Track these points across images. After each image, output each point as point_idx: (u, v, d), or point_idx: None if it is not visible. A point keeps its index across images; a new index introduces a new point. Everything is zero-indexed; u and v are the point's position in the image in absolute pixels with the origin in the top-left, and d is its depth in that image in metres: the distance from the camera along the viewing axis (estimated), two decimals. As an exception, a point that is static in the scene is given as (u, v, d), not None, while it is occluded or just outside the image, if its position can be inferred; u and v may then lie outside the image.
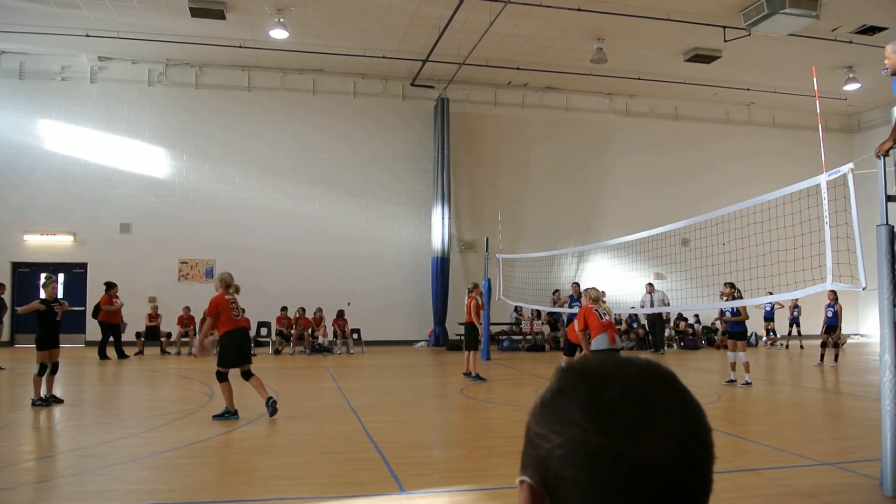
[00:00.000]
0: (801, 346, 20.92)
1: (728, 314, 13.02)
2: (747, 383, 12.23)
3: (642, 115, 24.35)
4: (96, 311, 17.22)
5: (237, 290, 9.45)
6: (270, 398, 8.74)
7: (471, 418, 9.89)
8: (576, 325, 10.27)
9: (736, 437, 7.81)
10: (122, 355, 16.78)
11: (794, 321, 20.72)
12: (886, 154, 5.99)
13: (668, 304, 19.05)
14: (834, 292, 15.51)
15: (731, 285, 12.59)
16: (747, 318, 12.94)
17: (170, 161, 20.63)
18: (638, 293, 19.88)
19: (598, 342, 9.42)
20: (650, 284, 19.85)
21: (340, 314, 19.43)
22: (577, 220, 22.87)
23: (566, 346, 11.70)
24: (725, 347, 14.72)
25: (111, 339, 16.93)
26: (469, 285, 14.53)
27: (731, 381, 12.56)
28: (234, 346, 8.90)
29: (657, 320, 20.15)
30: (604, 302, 10.20)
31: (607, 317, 9.71)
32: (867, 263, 6.47)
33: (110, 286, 17.26)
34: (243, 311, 9.78)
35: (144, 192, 20.28)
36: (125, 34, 18.17)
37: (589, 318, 9.67)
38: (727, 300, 12.70)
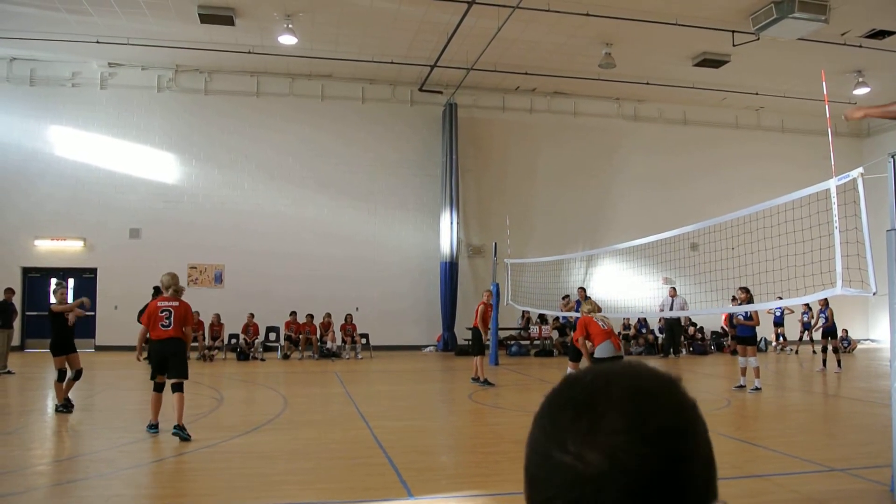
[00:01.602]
0: (815, 352, 20.78)
1: (741, 318, 12.93)
2: (757, 389, 12.17)
3: (651, 120, 24.31)
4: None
5: (179, 291, 8.52)
6: (181, 427, 7.86)
7: (479, 423, 9.88)
8: (577, 334, 10.21)
9: (745, 443, 7.77)
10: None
11: (807, 326, 20.60)
12: (853, 120, 5.92)
13: (688, 309, 18.94)
14: (825, 298, 15.46)
15: (747, 290, 12.51)
16: (758, 323, 12.88)
17: (179, 166, 20.72)
18: (646, 297, 19.74)
19: (603, 349, 9.30)
20: (673, 289, 19.71)
21: (348, 319, 19.46)
22: (585, 225, 22.83)
23: (572, 351, 11.67)
24: (735, 353, 14.68)
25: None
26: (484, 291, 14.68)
27: (741, 387, 12.49)
28: (156, 356, 8.32)
29: (675, 325, 20.07)
30: (600, 310, 10.16)
31: (608, 325, 9.62)
32: (877, 268, 6.44)
33: (158, 291, 17.19)
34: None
35: (154, 198, 20.36)
36: (135, 40, 18.27)
37: (590, 327, 9.53)
38: (741, 304, 12.63)
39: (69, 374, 9.93)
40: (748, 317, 12.73)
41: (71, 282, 20.20)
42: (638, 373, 0.83)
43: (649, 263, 20.10)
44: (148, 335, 8.33)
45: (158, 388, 8.26)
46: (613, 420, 0.77)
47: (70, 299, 19.27)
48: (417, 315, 21.73)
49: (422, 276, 21.82)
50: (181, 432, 7.79)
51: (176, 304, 8.32)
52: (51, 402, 10.33)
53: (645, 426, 0.77)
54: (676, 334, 20.19)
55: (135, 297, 19.40)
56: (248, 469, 6.69)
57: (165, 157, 20.62)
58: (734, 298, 17.44)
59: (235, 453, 7.34)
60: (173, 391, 8.08)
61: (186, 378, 8.27)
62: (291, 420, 9.34)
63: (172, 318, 8.17)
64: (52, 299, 10.51)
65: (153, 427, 8.09)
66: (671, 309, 19.01)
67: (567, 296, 20.27)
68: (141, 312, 17.16)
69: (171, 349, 8.19)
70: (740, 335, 13.02)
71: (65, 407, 9.68)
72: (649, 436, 0.76)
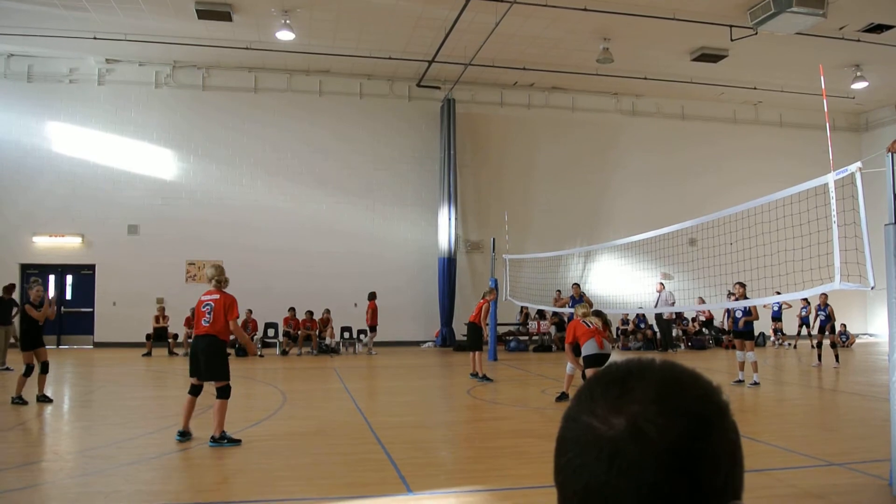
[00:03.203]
0: (813, 346, 20.79)
1: (740, 314, 12.93)
2: (755, 383, 12.18)
3: (649, 115, 24.30)
4: None
5: (220, 283, 7.65)
6: (216, 439, 7.42)
7: (477, 419, 9.88)
8: (567, 339, 10.48)
9: (743, 438, 7.75)
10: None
11: (805, 321, 20.59)
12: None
13: (673, 304, 18.95)
14: (825, 294, 15.54)
15: (743, 285, 12.52)
16: (758, 318, 12.88)
17: (177, 163, 20.70)
18: (645, 293, 19.81)
19: (588, 348, 9.63)
20: (661, 283, 19.77)
21: (372, 296, 19.59)
22: (583, 220, 22.84)
23: (576, 349, 11.70)
24: (733, 347, 14.67)
25: None
26: (486, 289, 14.73)
27: (740, 382, 12.50)
28: (191, 354, 7.88)
29: (660, 320, 20.17)
30: (591, 305, 10.35)
31: (593, 325, 9.83)
32: (876, 263, 6.45)
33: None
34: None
35: (152, 194, 20.34)
36: (132, 36, 18.23)
37: (577, 330, 9.93)
38: (737, 300, 12.64)
39: (37, 368, 10.18)
40: (747, 312, 12.74)
41: (69, 278, 20.21)
42: (674, 366, 0.88)
43: (648, 259, 20.12)
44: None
45: (192, 390, 7.66)
46: (642, 393, 0.83)
47: (69, 295, 19.38)
48: (415, 311, 21.73)
49: (420, 271, 21.81)
50: (218, 443, 7.37)
51: (217, 296, 7.57)
52: (33, 399, 10.27)
53: (670, 403, 0.82)
54: (665, 329, 20.25)
55: (133, 294, 19.52)
56: (246, 464, 6.69)
57: (163, 153, 20.60)
58: (730, 294, 17.46)
59: (234, 449, 7.34)
60: (217, 397, 7.54)
61: (224, 379, 7.55)
62: (290, 416, 9.34)
63: (213, 313, 7.47)
64: (29, 297, 10.63)
65: (181, 435, 7.52)
66: (656, 305, 19.05)
67: (559, 290, 20.38)
68: None
69: (202, 346, 7.53)
70: (738, 330, 13.01)
71: (23, 400, 9.96)
72: (672, 412, 0.81)
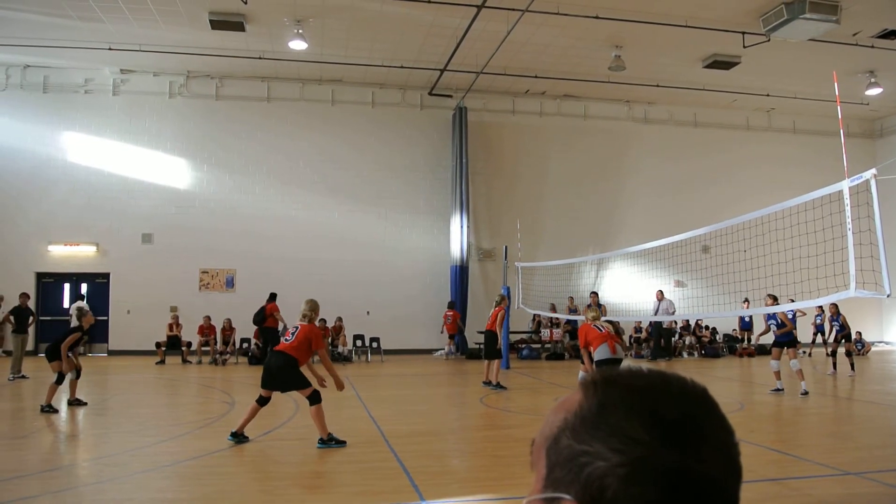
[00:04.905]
0: (828, 354, 20.59)
1: (774, 326, 12.85)
2: (778, 390, 12.03)
3: (661, 123, 24.24)
4: (263, 319, 17.70)
5: (306, 316, 8.33)
6: (323, 440, 7.79)
7: (491, 427, 9.86)
8: (580, 343, 10.43)
9: (759, 447, 7.71)
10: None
11: (820, 329, 20.40)
12: None
13: (673, 314, 18.78)
14: (835, 305, 15.46)
15: (774, 297, 12.38)
16: (792, 327, 12.81)
17: (191, 172, 20.82)
18: (657, 301, 19.71)
19: (600, 353, 9.51)
20: (660, 291, 19.57)
21: (452, 305, 20.24)
22: (596, 228, 22.78)
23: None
24: (748, 356, 14.54)
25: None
26: (497, 297, 14.61)
27: (805, 393, 12.07)
28: (264, 368, 8.28)
29: (659, 328, 20.01)
30: (602, 312, 10.26)
31: (605, 329, 9.76)
32: (891, 270, 6.40)
33: (274, 297, 17.94)
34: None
35: (166, 203, 20.47)
36: (147, 47, 18.39)
37: (588, 334, 9.83)
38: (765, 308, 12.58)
39: (70, 375, 10.46)
40: (780, 324, 12.65)
41: (84, 287, 20.34)
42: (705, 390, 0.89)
43: (660, 267, 20.03)
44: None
45: (260, 400, 7.97)
46: (720, 430, 0.83)
47: (85, 303, 19.49)
48: (427, 319, 21.68)
49: (432, 279, 21.81)
50: (326, 444, 7.73)
51: (304, 323, 8.25)
52: (64, 405, 10.49)
53: (734, 436, 0.85)
54: (664, 337, 20.02)
55: (147, 303, 19.63)
56: (259, 473, 6.70)
57: (177, 162, 20.73)
58: (746, 301, 17.34)
59: (247, 457, 7.35)
60: (309, 405, 7.89)
61: (306, 387, 7.86)
62: (303, 424, 9.34)
63: (296, 335, 8.07)
64: (75, 323, 10.79)
65: (233, 436, 7.87)
66: (655, 313, 18.92)
67: (571, 297, 20.52)
68: (263, 316, 17.62)
69: (277, 362, 7.98)
70: (779, 340, 12.86)
71: (52, 408, 10.04)
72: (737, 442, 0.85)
